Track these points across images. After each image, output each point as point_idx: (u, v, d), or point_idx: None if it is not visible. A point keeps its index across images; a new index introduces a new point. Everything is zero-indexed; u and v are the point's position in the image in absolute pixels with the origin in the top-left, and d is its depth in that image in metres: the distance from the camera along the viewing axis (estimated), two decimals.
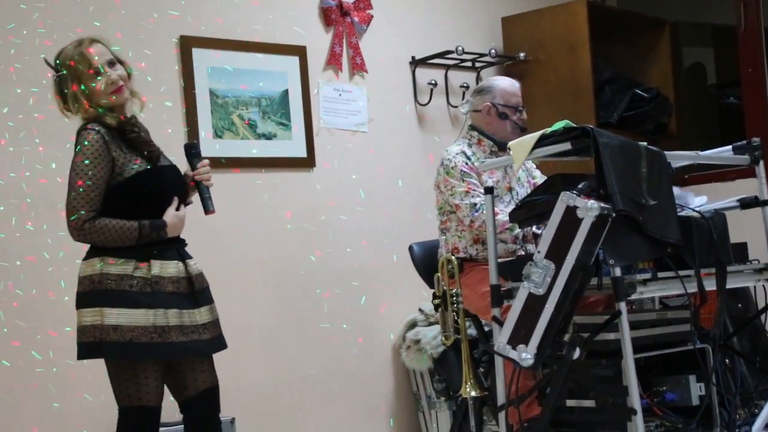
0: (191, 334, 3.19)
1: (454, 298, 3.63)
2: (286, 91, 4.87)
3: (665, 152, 3.34)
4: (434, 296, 3.69)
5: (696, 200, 3.70)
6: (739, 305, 4.30)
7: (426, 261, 4.31)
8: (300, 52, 4.92)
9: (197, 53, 4.55)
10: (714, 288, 3.34)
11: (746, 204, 3.77)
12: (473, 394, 3.57)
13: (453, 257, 3.72)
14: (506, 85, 4.29)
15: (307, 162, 4.92)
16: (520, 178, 4.25)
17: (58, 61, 3.24)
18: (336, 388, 4.91)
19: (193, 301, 3.24)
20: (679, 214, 3.30)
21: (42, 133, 4.05)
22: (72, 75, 3.19)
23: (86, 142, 3.15)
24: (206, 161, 3.39)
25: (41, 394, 3.99)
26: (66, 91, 3.22)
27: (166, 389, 3.27)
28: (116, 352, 3.11)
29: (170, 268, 3.22)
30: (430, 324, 4.87)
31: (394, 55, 5.33)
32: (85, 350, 3.15)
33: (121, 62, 3.28)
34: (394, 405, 5.12)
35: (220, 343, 3.32)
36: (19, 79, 4.04)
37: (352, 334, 4.98)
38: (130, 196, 3.19)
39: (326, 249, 4.93)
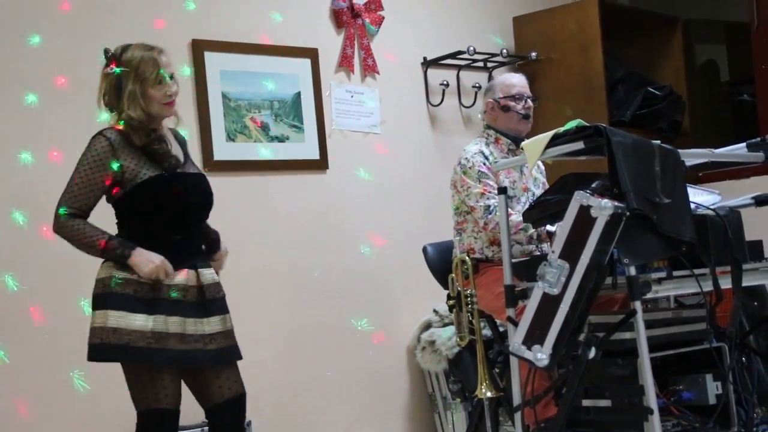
0: (194, 343, 3.19)
1: (469, 299, 3.62)
2: (299, 94, 4.87)
3: (679, 150, 3.32)
4: (449, 297, 3.69)
5: (707, 197, 3.68)
6: (755, 303, 4.27)
7: (440, 262, 4.30)
8: (312, 54, 4.93)
9: (209, 57, 4.56)
10: (729, 286, 3.33)
11: (761, 201, 3.75)
12: (489, 394, 3.56)
13: (467, 257, 3.71)
14: (504, 78, 4.39)
15: (320, 164, 4.92)
16: (536, 179, 4.25)
17: (123, 57, 3.24)
18: (351, 390, 4.91)
19: (202, 311, 3.24)
20: (693, 212, 3.29)
21: None
22: (136, 75, 3.21)
23: (94, 147, 3.20)
24: (222, 253, 3.44)
25: None
26: (124, 86, 3.21)
27: (191, 396, 3.29)
28: (114, 355, 3.14)
29: (179, 276, 3.22)
30: (445, 325, 4.87)
31: (406, 56, 5.32)
32: (92, 352, 3.19)
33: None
34: (410, 406, 5.12)
35: (228, 354, 3.30)
36: None
37: (367, 336, 4.98)
38: (142, 201, 3.21)
39: (340, 251, 4.94)
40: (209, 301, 3.27)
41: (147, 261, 3.15)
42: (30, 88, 4.09)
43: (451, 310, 3.69)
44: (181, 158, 3.34)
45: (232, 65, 4.64)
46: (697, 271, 3.22)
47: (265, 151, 4.73)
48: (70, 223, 3.18)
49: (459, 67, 5.47)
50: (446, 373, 4.87)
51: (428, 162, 5.34)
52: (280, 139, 4.80)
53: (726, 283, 3.31)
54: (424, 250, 4.42)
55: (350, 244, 4.97)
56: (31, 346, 3.99)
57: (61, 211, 3.19)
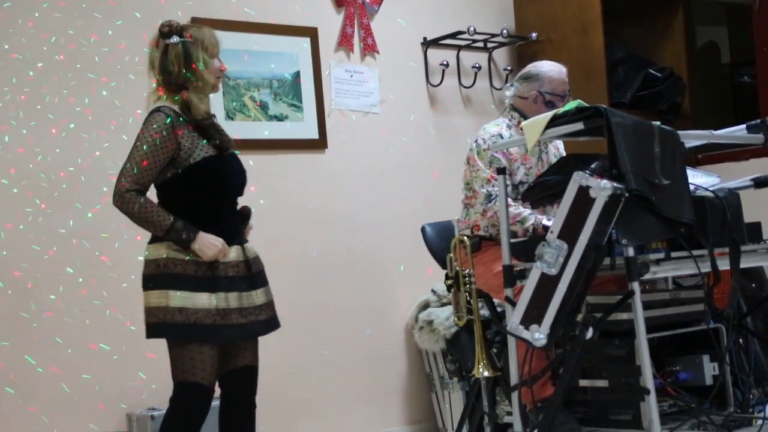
0: (249, 315, 3.32)
1: (467, 279, 3.62)
2: (298, 73, 4.86)
3: (678, 132, 3.32)
4: (447, 277, 3.69)
5: (706, 179, 3.68)
6: (753, 285, 4.27)
7: (438, 242, 4.30)
8: (311, 33, 4.91)
9: None
10: (727, 267, 3.33)
11: (760, 183, 3.75)
12: (486, 374, 3.57)
13: (465, 238, 3.71)
14: (554, 73, 4.16)
15: (319, 143, 4.91)
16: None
17: (185, 31, 3.33)
18: (349, 370, 4.92)
19: (250, 283, 3.36)
20: (692, 194, 3.29)
21: None
22: (203, 46, 3.33)
23: (156, 122, 3.25)
24: (249, 227, 3.52)
25: None
26: (189, 54, 3.29)
27: None
28: (182, 333, 3.23)
29: (231, 253, 3.32)
30: (443, 305, 4.87)
31: (406, 36, 5.31)
32: (152, 330, 3.28)
33: None
34: (407, 386, 5.13)
35: (274, 323, 3.46)
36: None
37: (365, 316, 4.99)
38: (195, 181, 3.29)
39: (338, 230, 4.94)
40: (255, 275, 3.39)
41: (210, 245, 3.24)
42: (30, 63, 4.08)
43: (449, 289, 3.69)
44: None
45: (232, 44, 4.61)
46: (695, 253, 3.23)
47: (264, 130, 4.72)
48: (138, 199, 3.22)
49: (459, 48, 5.46)
50: (444, 353, 4.88)
51: (428, 142, 5.33)
52: (279, 119, 4.79)
53: (724, 265, 3.31)
54: (423, 230, 4.42)
55: (349, 223, 4.97)
56: (29, 326, 4.00)
57: (126, 186, 3.22)
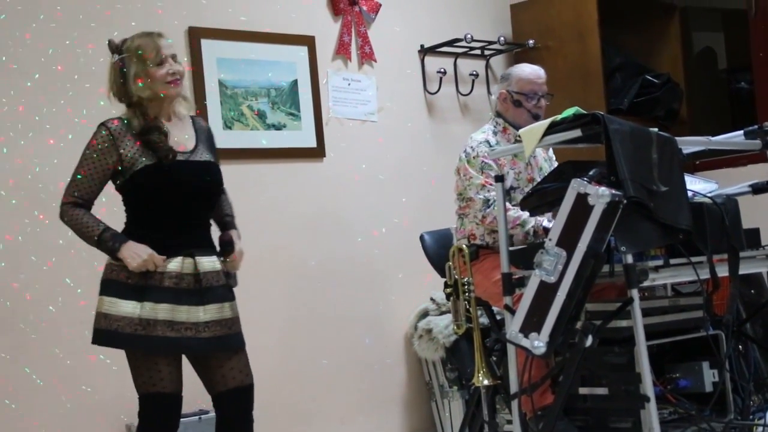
0: (184, 330, 3.22)
1: (466, 287, 3.62)
2: (295, 81, 4.86)
3: (676, 138, 3.32)
4: (446, 285, 3.69)
5: (704, 185, 3.68)
6: (752, 291, 4.28)
7: (437, 250, 4.30)
8: (309, 41, 4.91)
9: (206, 44, 4.55)
10: (726, 274, 3.33)
11: (758, 189, 3.75)
12: (486, 382, 3.57)
13: (464, 246, 3.71)
14: (523, 72, 4.21)
15: (317, 152, 4.91)
16: (542, 169, 4.18)
17: (123, 46, 3.33)
18: (349, 378, 4.91)
19: (198, 298, 3.26)
20: (690, 200, 3.29)
21: None
22: (137, 58, 3.29)
23: (95, 137, 3.28)
24: (235, 255, 3.42)
25: None
26: (126, 71, 3.29)
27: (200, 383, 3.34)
28: (102, 339, 3.24)
29: (171, 263, 3.25)
30: (442, 313, 4.87)
31: (403, 44, 5.31)
32: (93, 336, 3.28)
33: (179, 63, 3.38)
34: (407, 395, 5.12)
35: (226, 342, 3.30)
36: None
37: (364, 324, 4.98)
38: (139, 189, 3.26)
39: (337, 239, 4.94)
40: (205, 289, 3.28)
41: (134, 255, 3.20)
42: (27, 74, 4.08)
43: (448, 298, 3.69)
44: (189, 146, 3.36)
45: (229, 53, 4.63)
46: (694, 259, 3.22)
47: (262, 139, 4.72)
48: (72, 211, 3.27)
49: (456, 55, 5.46)
50: (443, 362, 4.88)
51: (425, 150, 5.33)
52: (277, 127, 4.79)
53: (723, 271, 3.31)
54: (422, 238, 4.42)
55: (347, 232, 4.97)
56: (28, 336, 3.99)
57: (64, 200, 3.28)
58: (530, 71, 4.23)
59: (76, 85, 4.19)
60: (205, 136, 3.45)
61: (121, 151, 3.24)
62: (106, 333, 3.21)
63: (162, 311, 3.20)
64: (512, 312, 3.20)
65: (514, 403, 3.35)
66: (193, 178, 3.32)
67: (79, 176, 3.26)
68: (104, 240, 3.22)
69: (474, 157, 4.04)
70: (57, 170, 4.10)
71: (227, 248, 3.41)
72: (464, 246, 3.73)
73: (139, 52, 3.27)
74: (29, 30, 4.11)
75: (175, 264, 3.25)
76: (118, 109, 4.13)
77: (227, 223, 3.51)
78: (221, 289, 3.34)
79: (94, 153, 3.26)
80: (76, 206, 3.26)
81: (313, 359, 4.78)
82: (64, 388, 4.05)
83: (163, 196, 3.26)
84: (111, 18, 4.27)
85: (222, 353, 3.30)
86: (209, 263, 3.32)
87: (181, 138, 3.36)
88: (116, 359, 4.08)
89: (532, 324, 2.98)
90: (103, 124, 3.29)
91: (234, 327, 3.34)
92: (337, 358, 4.87)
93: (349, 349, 4.92)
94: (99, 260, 3.96)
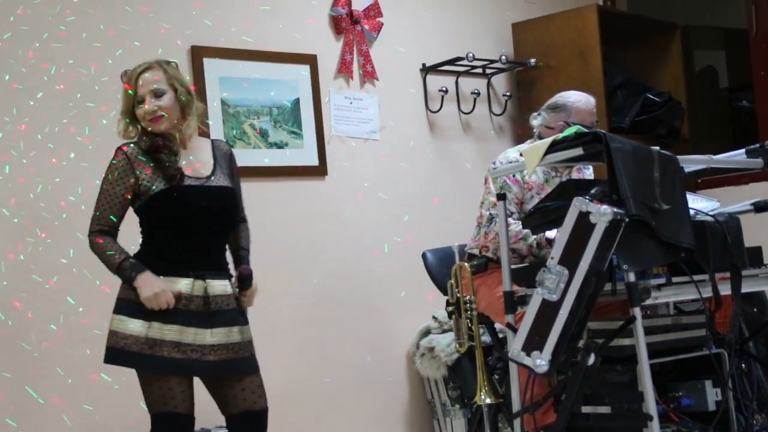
0: (190, 352, 3.23)
1: (468, 305, 3.62)
2: (298, 100, 4.87)
3: (678, 156, 3.32)
4: (448, 303, 3.69)
5: (706, 203, 3.68)
6: (755, 309, 4.27)
7: (439, 268, 4.30)
8: (311, 60, 4.93)
9: (208, 63, 4.56)
10: (729, 292, 3.33)
11: (760, 207, 3.75)
12: (488, 401, 3.56)
13: (466, 264, 3.71)
14: (582, 103, 4.14)
15: (319, 170, 4.92)
16: None
17: (124, 79, 3.41)
18: (351, 397, 4.90)
19: (206, 321, 3.27)
20: (692, 218, 3.29)
21: None
22: (124, 96, 3.38)
23: (113, 163, 3.33)
24: (252, 291, 3.47)
25: None
26: (123, 104, 3.39)
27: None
28: (110, 357, 3.27)
29: (179, 284, 3.27)
30: (444, 331, 4.86)
31: (405, 63, 5.33)
32: (105, 354, 3.30)
33: (175, 89, 3.37)
34: (409, 413, 5.11)
35: (235, 366, 3.31)
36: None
37: (366, 343, 4.97)
38: (153, 213, 3.31)
39: (339, 257, 4.93)
40: (214, 313, 3.29)
41: (148, 288, 3.22)
42: (30, 93, 4.09)
43: (450, 316, 3.69)
44: (205, 171, 3.39)
45: (231, 72, 4.64)
46: (696, 278, 3.22)
47: (264, 158, 4.72)
48: (97, 239, 3.31)
49: (458, 74, 5.48)
50: (445, 380, 4.87)
51: (427, 168, 5.34)
52: (279, 146, 4.80)
53: (725, 290, 3.31)
54: (424, 256, 4.42)
55: (349, 250, 4.97)
56: (28, 355, 3.99)
57: (90, 229, 3.32)
58: (586, 102, 4.16)
59: (78, 104, 4.20)
60: (224, 161, 3.49)
61: (137, 173, 3.29)
62: (114, 351, 3.24)
63: (169, 332, 3.22)
64: (514, 330, 3.20)
65: (517, 422, 3.34)
66: (208, 204, 3.34)
67: (100, 204, 3.32)
68: (123, 268, 3.26)
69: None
70: (59, 189, 4.11)
71: (246, 283, 3.44)
72: (466, 264, 3.73)
73: (128, 91, 3.35)
74: (32, 49, 4.12)
75: (186, 285, 3.27)
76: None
77: (241, 257, 3.52)
78: (231, 313, 3.35)
79: (112, 179, 3.31)
80: (101, 234, 3.31)
81: (315, 378, 4.77)
82: (67, 408, 4.04)
83: (177, 221, 3.30)
84: (114, 37, 4.29)
85: (233, 376, 3.31)
86: (220, 286, 3.34)
87: (197, 163, 3.40)
88: (117, 378, 4.09)
89: (534, 342, 2.97)
90: (119, 149, 3.34)
91: (242, 351, 3.34)
92: (339, 376, 4.85)
93: (351, 367, 4.91)
94: (101, 279, 3.98)
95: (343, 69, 5.07)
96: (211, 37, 4.59)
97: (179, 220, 3.29)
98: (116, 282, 3.84)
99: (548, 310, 2.96)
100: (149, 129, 3.34)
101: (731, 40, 6.60)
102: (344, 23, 5.06)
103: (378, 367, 5.00)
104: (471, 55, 5.32)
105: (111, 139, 4.04)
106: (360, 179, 5.05)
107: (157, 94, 3.34)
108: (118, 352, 3.23)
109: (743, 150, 3.66)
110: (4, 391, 3.93)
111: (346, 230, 4.97)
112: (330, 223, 4.92)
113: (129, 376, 3.91)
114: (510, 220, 3.78)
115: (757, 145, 3.65)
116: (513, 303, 3.37)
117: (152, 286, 3.21)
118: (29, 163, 4.08)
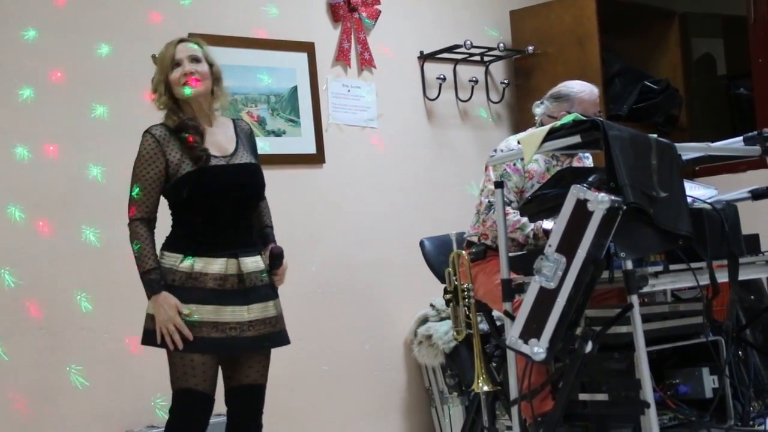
0: (229, 330, 3.28)
1: (466, 293, 3.62)
2: (295, 88, 4.86)
3: (675, 144, 3.32)
4: (445, 291, 3.69)
5: (704, 191, 3.68)
6: (752, 297, 4.28)
7: (437, 256, 4.29)
8: (308, 48, 4.92)
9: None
10: (726, 280, 3.33)
11: (758, 195, 3.75)
12: (485, 388, 3.57)
13: (464, 252, 3.71)
14: (585, 94, 4.11)
15: (317, 158, 4.91)
16: None
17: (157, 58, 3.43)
18: (348, 384, 4.91)
19: (243, 298, 3.32)
20: (690, 206, 3.29)
21: None
22: (160, 67, 3.39)
23: (142, 147, 3.34)
24: (283, 268, 3.51)
25: None
26: (155, 79, 3.40)
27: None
28: (148, 339, 3.29)
29: (215, 265, 3.30)
30: (442, 319, 4.87)
31: (403, 50, 5.32)
32: (142, 336, 3.34)
33: (211, 64, 3.43)
34: (407, 400, 5.12)
35: (270, 340, 3.39)
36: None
37: (364, 330, 4.98)
38: (180, 194, 3.31)
39: (336, 245, 4.93)
40: (249, 289, 3.34)
41: (158, 308, 3.24)
42: (25, 82, 4.08)
43: (448, 304, 3.69)
44: (230, 149, 3.41)
45: (229, 59, 4.61)
46: (693, 265, 3.22)
47: (262, 146, 4.70)
48: (137, 231, 3.29)
49: (456, 61, 5.47)
50: (443, 368, 4.87)
51: (425, 156, 5.34)
52: (277, 134, 4.79)
53: (723, 277, 3.31)
54: (422, 244, 4.42)
55: (346, 238, 4.97)
56: (28, 342, 3.99)
57: (130, 216, 3.32)
58: (590, 93, 4.13)
59: (78, 96, 4.19)
60: (246, 138, 3.52)
61: (168, 156, 3.30)
62: (152, 333, 3.26)
63: (207, 312, 3.26)
64: (512, 318, 3.20)
65: (514, 410, 3.35)
66: (234, 182, 3.37)
67: (136, 190, 3.31)
68: (146, 280, 3.27)
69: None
70: (59, 182, 4.11)
71: (277, 262, 3.47)
72: (464, 252, 3.73)
73: (163, 57, 3.37)
74: (26, 42, 4.11)
75: (220, 265, 3.30)
76: (121, 115, 4.17)
77: (267, 235, 3.56)
78: (264, 288, 3.40)
79: (143, 162, 3.31)
80: (141, 223, 3.30)
81: (313, 366, 4.78)
82: (65, 396, 4.04)
83: (205, 201, 3.31)
84: (108, 26, 4.28)
85: (256, 351, 3.37)
86: (253, 263, 3.38)
87: (222, 141, 3.42)
88: (114, 365, 4.10)
89: (531, 330, 2.98)
90: (147, 131, 3.35)
91: (278, 325, 3.42)
92: (337, 364, 4.86)
93: (349, 355, 4.91)
94: (106, 267, 4.00)
95: (341, 57, 5.06)
96: (208, 24, 4.57)
97: (208, 200, 3.32)
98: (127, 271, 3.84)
99: (546, 298, 2.96)
100: (184, 93, 3.35)
101: (729, 27, 6.58)
102: (342, 11, 5.05)
103: (376, 355, 5.00)
104: (469, 42, 5.31)
105: (111, 131, 4.03)
106: (357, 167, 5.05)
107: (196, 59, 3.39)
108: (155, 334, 3.25)
109: (741, 138, 3.66)
110: (4, 377, 3.93)
111: (343, 218, 4.97)
112: (328, 211, 4.92)
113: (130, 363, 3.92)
114: (509, 208, 3.78)
115: (755, 133, 3.64)
116: (511, 291, 3.37)
117: (165, 309, 3.23)
118: (29, 157, 4.07)
